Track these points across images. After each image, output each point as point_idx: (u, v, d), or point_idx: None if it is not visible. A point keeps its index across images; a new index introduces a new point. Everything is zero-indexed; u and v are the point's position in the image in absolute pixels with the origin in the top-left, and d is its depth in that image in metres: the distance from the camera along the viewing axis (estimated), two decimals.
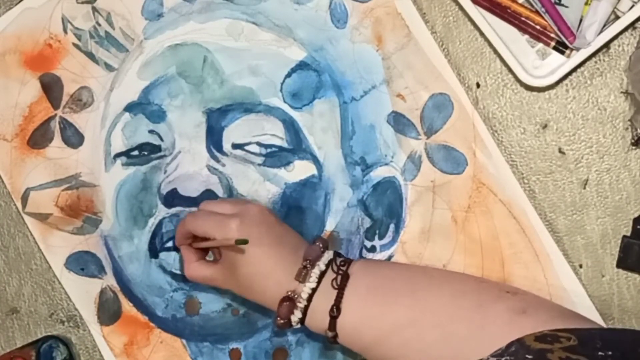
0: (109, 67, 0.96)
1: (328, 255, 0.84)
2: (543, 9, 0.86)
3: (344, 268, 0.83)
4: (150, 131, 0.95)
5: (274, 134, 0.93)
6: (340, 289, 0.82)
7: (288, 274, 0.83)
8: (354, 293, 0.82)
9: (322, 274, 0.82)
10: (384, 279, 0.83)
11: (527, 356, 0.66)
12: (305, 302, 0.82)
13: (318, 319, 0.82)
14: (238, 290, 0.87)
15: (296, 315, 0.82)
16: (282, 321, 0.83)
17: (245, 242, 0.81)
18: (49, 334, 0.98)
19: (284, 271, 0.83)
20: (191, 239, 0.90)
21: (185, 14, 0.95)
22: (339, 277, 0.82)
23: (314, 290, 0.82)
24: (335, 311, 0.81)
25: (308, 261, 0.83)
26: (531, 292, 0.84)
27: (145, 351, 0.96)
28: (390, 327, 0.80)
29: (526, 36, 0.89)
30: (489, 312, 0.78)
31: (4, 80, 0.97)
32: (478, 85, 0.91)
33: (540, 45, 0.89)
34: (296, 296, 0.82)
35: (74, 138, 0.97)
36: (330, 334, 0.82)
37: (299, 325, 0.83)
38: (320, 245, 0.84)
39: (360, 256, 0.92)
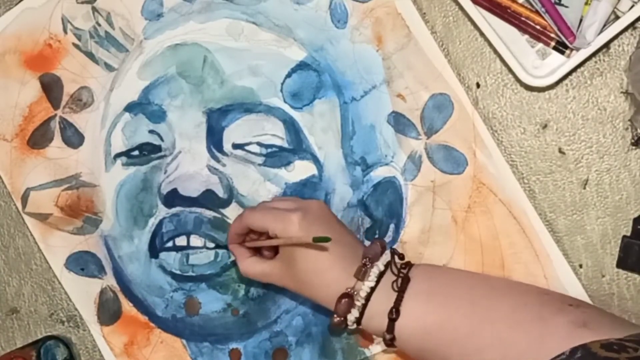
0: (109, 67, 0.96)
1: (386, 256, 0.83)
2: (543, 9, 0.86)
3: (404, 271, 0.82)
4: (151, 131, 0.95)
5: (275, 134, 0.93)
6: (401, 292, 0.81)
7: (347, 271, 0.82)
8: (414, 298, 0.81)
9: (381, 274, 0.82)
10: (445, 286, 0.82)
11: None
12: (363, 301, 0.81)
13: (376, 320, 0.81)
14: (294, 286, 0.85)
15: (353, 314, 0.82)
16: (338, 319, 0.82)
17: (326, 239, 0.79)
18: (49, 334, 0.98)
19: (343, 268, 0.82)
20: (243, 238, 0.89)
21: (185, 14, 0.95)
22: (400, 280, 0.82)
23: (372, 289, 0.81)
24: (394, 314, 0.80)
25: (367, 259, 0.82)
26: (593, 305, 0.83)
27: (145, 351, 0.97)
28: (449, 337, 0.79)
29: (526, 36, 0.89)
30: (550, 325, 0.76)
31: (4, 80, 0.97)
32: (478, 85, 0.91)
33: (540, 45, 0.89)
34: (355, 293, 0.81)
35: (74, 138, 0.97)
36: (388, 336, 0.81)
37: (354, 326, 0.83)
38: (379, 245, 0.84)
39: None
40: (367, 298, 0.81)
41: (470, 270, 0.90)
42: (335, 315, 0.82)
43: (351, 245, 0.84)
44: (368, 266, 0.82)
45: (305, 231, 0.82)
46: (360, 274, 0.81)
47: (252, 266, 0.87)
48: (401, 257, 0.85)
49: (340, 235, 0.84)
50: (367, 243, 0.92)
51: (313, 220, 0.83)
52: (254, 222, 0.86)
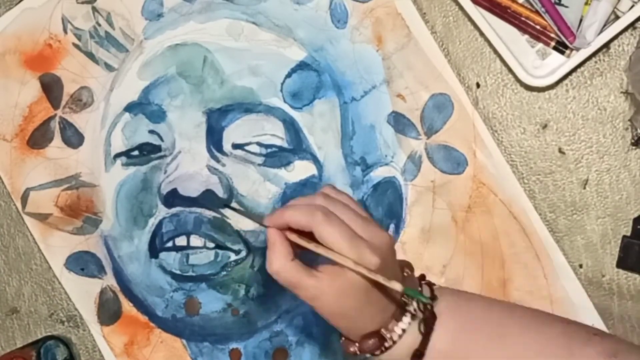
0: (109, 67, 0.96)
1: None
2: (543, 9, 0.86)
3: (430, 307, 0.75)
4: (151, 131, 0.95)
5: (274, 134, 0.93)
6: (427, 334, 0.74)
7: (389, 308, 0.74)
8: (440, 338, 0.75)
9: (414, 316, 0.75)
10: (472, 322, 0.77)
11: None
12: (391, 342, 0.74)
13: (398, 355, 0.75)
14: (322, 310, 0.74)
15: (376, 353, 0.75)
16: (354, 350, 0.75)
17: (426, 298, 0.73)
18: (49, 334, 0.98)
19: (386, 305, 0.74)
20: (289, 230, 0.74)
21: (185, 14, 0.95)
22: (425, 321, 0.75)
23: (404, 331, 0.74)
24: (418, 356, 0.75)
25: (406, 297, 0.75)
26: (617, 335, 0.81)
27: (145, 351, 0.97)
28: None
29: (526, 36, 0.89)
30: (579, 358, 0.74)
31: (4, 80, 0.98)
32: (478, 85, 0.91)
33: (540, 45, 0.89)
34: (387, 333, 0.74)
35: (74, 138, 0.97)
36: None
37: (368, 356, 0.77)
38: (417, 280, 0.77)
39: None
40: (397, 339, 0.75)
41: (470, 270, 0.90)
42: (356, 348, 0.76)
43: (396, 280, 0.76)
44: (408, 304, 0.75)
45: (380, 269, 0.73)
46: (397, 314, 0.75)
47: (287, 269, 0.73)
48: (431, 286, 0.79)
49: (394, 272, 0.75)
50: None
51: (380, 255, 0.73)
52: (321, 233, 0.72)
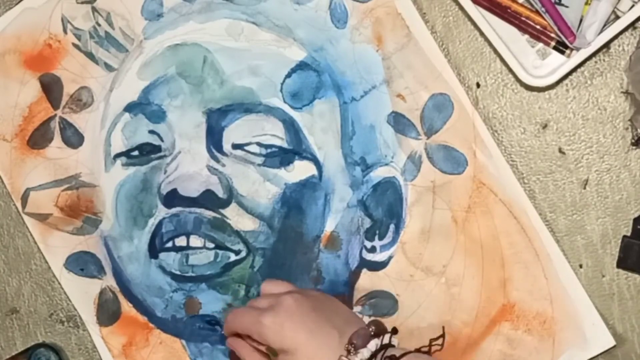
0: (108, 67, 0.96)
1: (375, 343, 0.78)
2: (543, 9, 0.86)
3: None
4: (150, 131, 0.95)
5: (274, 134, 0.93)
6: None
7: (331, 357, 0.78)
8: None
9: None
10: None
11: None
12: None
13: None
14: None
15: None
16: None
17: (274, 353, 0.80)
18: (39, 342, 0.98)
19: (326, 356, 0.78)
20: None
21: (185, 14, 0.95)
22: None
23: None
24: None
25: (352, 345, 0.78)
26: None
27: (144, 352, 0.96)
28: None
29: (526, 36, 0.89)
30: None
31: (4, 80, 0.97)
32: (478, 85, 0.91)
33: (540, 45, 0.89)
34: None
35: (73, 138, 0.97)
36: None
37: None
38: (372, 330, 0.79)
39: (360, 257, 0.92)
40: None
41: (470, 270, 0.90)
42: None
43: (337, 328, 0.80)
44: (351, 353, 0.78)
45: (277, 332, 0.79)
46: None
47: None
48: (395, 331, 0.81)
49: (316, 324, 0.80)
50: (366, 243, 0.92)
51: (285, 317, 0.80)
52: (235, 327, 0.85)
